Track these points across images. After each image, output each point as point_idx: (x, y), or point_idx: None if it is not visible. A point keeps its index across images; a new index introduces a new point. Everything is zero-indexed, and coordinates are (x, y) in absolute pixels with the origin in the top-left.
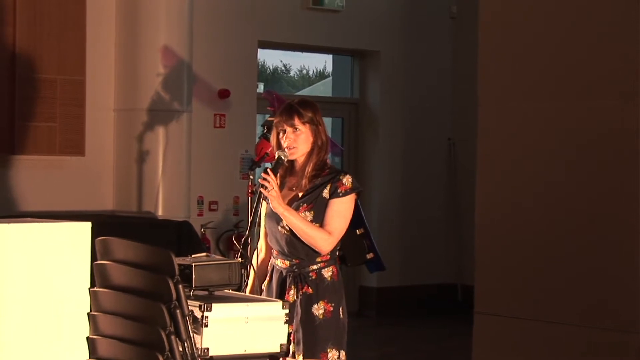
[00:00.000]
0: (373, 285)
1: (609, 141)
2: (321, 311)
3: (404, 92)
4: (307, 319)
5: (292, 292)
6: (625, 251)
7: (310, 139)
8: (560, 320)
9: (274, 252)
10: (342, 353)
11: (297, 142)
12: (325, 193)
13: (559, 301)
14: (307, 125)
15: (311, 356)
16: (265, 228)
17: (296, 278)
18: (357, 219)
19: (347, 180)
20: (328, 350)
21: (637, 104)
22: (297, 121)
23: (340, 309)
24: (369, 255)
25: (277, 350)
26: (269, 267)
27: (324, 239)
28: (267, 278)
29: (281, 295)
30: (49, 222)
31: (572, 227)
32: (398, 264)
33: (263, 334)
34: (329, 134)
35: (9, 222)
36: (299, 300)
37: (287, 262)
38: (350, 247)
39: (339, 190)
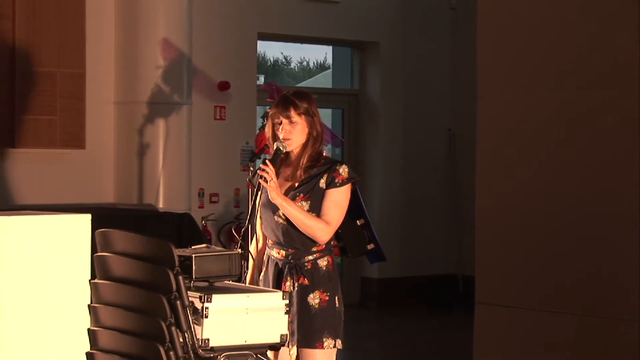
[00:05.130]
0: (374, 276)
1: (608, 132)
2: (317, 300)
3: (404, 83)
4: (303, 309)
5: (288, 283)
6: (625, 243)
7: (306, 130)
8: (561, 309)
9: (270, 242)
10: (339, 341)
11: (292, 133)
12: (322, 183)
13: (560, 291)
14: (303, 116)
15: (307, 346)
16: (260, 218)
17: (292, 269)
18: (357, 210)
19: (343, 170)
20: (324, 339)
21: (636, 95)
22: (292, 112)
23: (336, 297)
24: (370, 246)
25: (278, 340)
26: (264, 258)
27: (322, 229)
28: (264, 268)
29: (277, 286)
30: (49, 214)
31: (573, 218)
32: (399, 255)
33: (263, 324)
34: (329, 126)
35: (9, 215)
36: (295, 291)
37: (283, 252)
38: (351, 238)
39: (336, 181)
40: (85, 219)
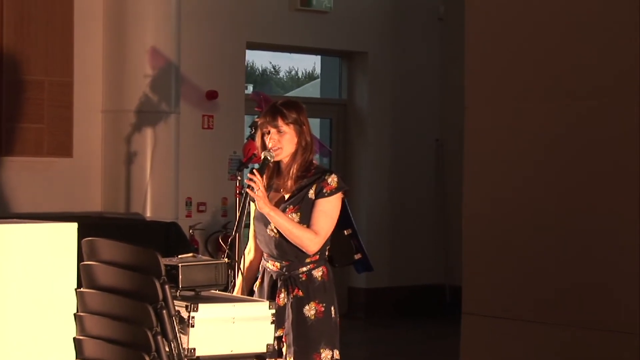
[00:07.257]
0: (362, 286)
1: (602, 142)
2: (312, 312)
3: (392, 93)
4: (299, 320)
5: (282, 295)
6: (622, 253)
7: (295, 140)
8: (550, 321)
9: (265, 255)
10: (336, 352)
11: (281, 143)
12: (311, 194)
13: (549, 302)
14: (291, 125)
15: (304, 357)
16: (254, 230)
17: (286, 281)
18: (344, 220)
19: (332, 179)
20: (321, 350)
21: (636, 103)
22: (280, 122)
23: (332, 308)
24: (357, 256)
25: (264, 350)
26: (260, 269)
27: (310, 239)
28: (259, 280)
29: (272, 298)
30: (35, 223)
31: (563, 228)
32: (386, 265)
33: (250, 334)
34: (317, 135)
35: None
36: (289, 304)
37: (278, 265)
38: (338, 248)
39: (324, 190)
40: (72, 227)
